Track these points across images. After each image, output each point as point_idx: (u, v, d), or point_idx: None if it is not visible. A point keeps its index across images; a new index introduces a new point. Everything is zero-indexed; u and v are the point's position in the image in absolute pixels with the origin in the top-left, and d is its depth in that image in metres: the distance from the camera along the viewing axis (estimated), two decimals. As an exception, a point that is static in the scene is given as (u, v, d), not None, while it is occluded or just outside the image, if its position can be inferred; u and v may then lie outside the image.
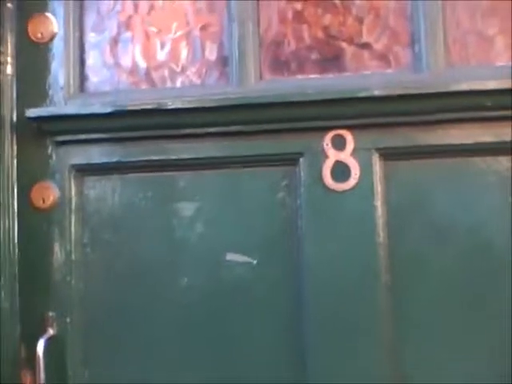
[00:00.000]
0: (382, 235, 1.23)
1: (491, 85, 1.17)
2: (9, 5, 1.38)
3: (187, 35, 1.37)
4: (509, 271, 1.20)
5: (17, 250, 1.33)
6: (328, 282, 1.23)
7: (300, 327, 1.25)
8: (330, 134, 1.25)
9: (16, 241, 1.34)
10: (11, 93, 1.37)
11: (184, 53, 1.37)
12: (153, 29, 1.39)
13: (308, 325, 1.24)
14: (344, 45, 1.31)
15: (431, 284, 1.22)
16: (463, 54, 1.27)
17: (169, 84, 1.37)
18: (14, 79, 1.38)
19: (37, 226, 1.34)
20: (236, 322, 1.28)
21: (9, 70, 1.37)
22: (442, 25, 1.26)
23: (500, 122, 1.20)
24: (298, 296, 1.25)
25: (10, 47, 1.38)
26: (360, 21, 1.31)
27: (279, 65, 1.33)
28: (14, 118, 1.37)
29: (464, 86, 1.18)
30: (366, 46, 1.31)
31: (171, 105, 1.27)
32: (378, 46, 1.30)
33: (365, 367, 1.21)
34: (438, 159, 1.24)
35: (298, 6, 1.34)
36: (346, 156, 1.24)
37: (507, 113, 1.19)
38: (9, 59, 1.38)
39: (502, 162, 1.22)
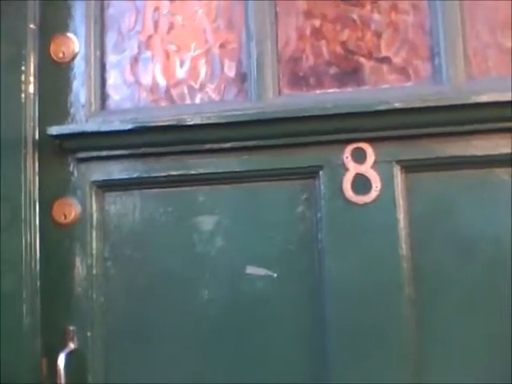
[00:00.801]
0: (404, 248, 1.22)
1: (512, 96, 1.16)
2: (31, 26, 1.41)
3: (206, 53, 1.39)
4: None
5: (38, 265, 1.34)
6: (350, 296, 1.22)
7: (322, 342, 1.23)
8: (350, 147, 1.25)
9: (38, 256, 1.34)
10: (33, 111, 1.40)
11: (203, 70, 1.39)
12: (172, 47, 1.40)
13: (330, 339, 1.22)
14: (362, 59, 1.32)
15: (455, 297, 1.21)
16: (483, 67, 1.26)
17: (188, 101, 1.38)
18: (36, 98, 1.40)
19: (58, 241, 1.35)
20: (256, 336, 1.27)
21: (31, 88, 1.40)
22: (461, 38, 1.26)
23: (523, 132, 1.19)
24: (319, 309, 1.24)
25: (32, 67, 1.40)
26: (378, 35, 1.32)
27: (298, 80, 1.34)
28: (36, 136, 1.39)
29: (485, 98, 1.17)
30: (384, 60, 1.31)
31: (190, 121, 1.28)
32: (397, 60, 1.30)
33: (389, 381, 1.19)
34: (459, 171, 1.23)
35: (317, 22, 1.35)
36: (366, 169, 1.24)
37: (530, 123, 1.18)
38: (31, 78, 1.40)
39: (527, 173, 1.21)
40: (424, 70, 1.29)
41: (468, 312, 1.20)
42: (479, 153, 1.21)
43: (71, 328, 1.31)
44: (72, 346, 1.30)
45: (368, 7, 1.33)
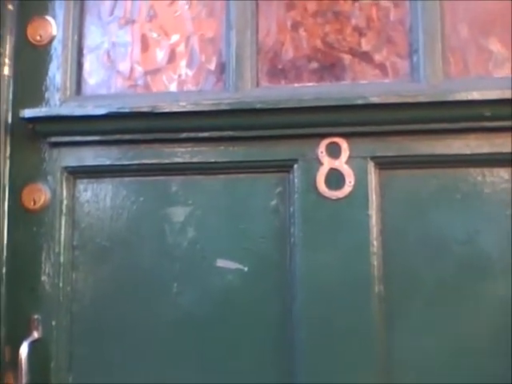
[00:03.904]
0: (375, 244, 1.21)
1: (489, 95, 1.16)
2: (9, 7, 1.39)
3: (185, 41, 1.37)
4: (504, 283, 1.18)
5: (5, 251, 1.32)
6: (320, 291, 1.21)
7: (291, 336, 1.23)
8: (325, 142, 1.24)
9: (5, 241, 1.32)
10: (7, 94, 1.37)
11: (182, 59, 1.37)
12: (151, 34, 1.38)
13: (299, 334, 1.22)
14: (342, 54, 1.31)
15: (424, 295, 1.20)
16: (461, 66, 1.26)
17: (165, 89, 1.36)
18: (11, 80, 1.38)
19: (26, 227, 1.32)
20: (225, 329, 1.25)
21: (6, 70, 1.37)
22: (440, 37, 1.26)
23: (498, 132, 1.19)
24: (289, 304, 1.23)
25: (8, 48, 1.38)
26: (359, 31, 1.31)
27: (276, 72, 1.33)
28: (9, 119, 1.37)
29: (461, 96, 1.17)
30: (364, 55, 1.30)
31: (166, 108, 1.26)
32: (377, 56, 1.30)
33: (356, 377, 1.19)
34: (433, 169, 1.23)
35: (297, 15, 1.34)
36: (340, 164, 1.23)
37: (505, 123, 1.18)
38: (7, 60, 1.38)
39: (500, 173, 1.21)
40: (402, 67, 1.28)
41: (437, 311, 1.20)
42: (453, 152, 1.21)
43: (36, 316, 1.29)
44: (36, 334, 1.28)
45: (349, 2, 1.32)
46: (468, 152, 1.20)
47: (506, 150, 1.19)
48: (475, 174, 1.21)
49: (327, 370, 1.20)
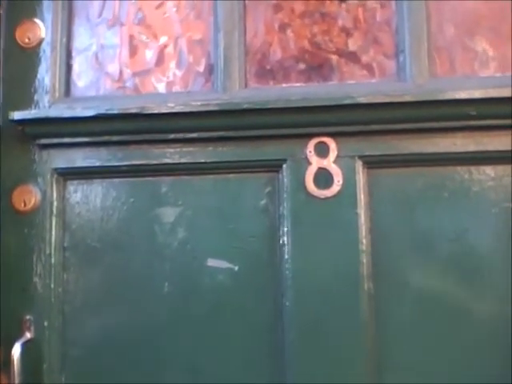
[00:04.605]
0: (364, 243, 1.22)
1: (475, 94, 1.17)
2: (-2, 10, 1.39)
3: (174, 43, 1.38)
4: (492, 280, 1.20)
5: (-4, 253, 1.32)
6: (310, 289, 1.22)
7: (281, 334, 1.23)
8: (314, 141, 1.25)
9: (-4, 243, 1.32)
10: (-4, 96, 1.37)
11: (170, 60, 1.37)
12: (140, 36, 1.39)
13: (289, 332, 1.23)
14: (329, 55, 1.32)
15: (414, 292, 1.21)
16: (447, 65, 1.28)
17: (154, 90, 1.37)
18: (0, 83, 1.38)
19: (17, 228, 1.33)
20: (216, 327, 1.26)
21: (-5, 73, 1.37)
22: (426, 37, 1.27)
23: (484, 131, 1.20)
24: (279, 303, 1.24)
25: (-4, 51, 1.38)
26: (346, 32, 1.32)
27: (264, 73, 1.34)
28: (-1, 121, 1.36)
29: (447, 95, 1.18)
30: (351, 56, 1.31)
31: (154, 110, 1.26)
32: (363, 57, 1.31)
33: (345, 375, 1.20)
34: (421, 168, 1.24)
35: (285, 16, 1.34)
36: (328, 163, 1.24)
37: (491, 122, 1.19)
38: (-4, 63, 1.38)
39: (486, 171, 1.22)
40: (389, 67, 1.29)
41: (426, 308, 1.21)
42: (441, 150, 1.22)
43: (28, 317, 1.29)
44: (28, 335, 1.29)
45: (336, 3, 1.33)
46: (455, 150, 1.22)
47: (493, 148, 1.20)
48: (462, 172, 1.23)
49: (317, 368, 1.21)
